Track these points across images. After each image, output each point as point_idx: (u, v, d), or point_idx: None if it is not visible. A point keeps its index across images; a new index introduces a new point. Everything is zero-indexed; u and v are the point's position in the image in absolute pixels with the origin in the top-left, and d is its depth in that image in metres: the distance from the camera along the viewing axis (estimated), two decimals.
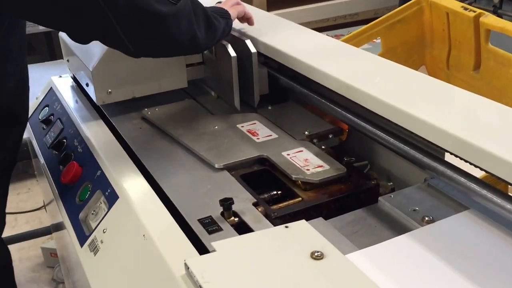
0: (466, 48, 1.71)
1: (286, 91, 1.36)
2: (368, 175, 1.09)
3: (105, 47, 1.29)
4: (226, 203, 0.96)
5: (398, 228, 0.94)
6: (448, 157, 0.95)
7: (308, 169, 1.07)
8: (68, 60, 1.54)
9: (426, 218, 0.93)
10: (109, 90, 1.32)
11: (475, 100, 0.99)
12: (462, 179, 0.91)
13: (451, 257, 0.84)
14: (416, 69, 1.92)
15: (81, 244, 1.06)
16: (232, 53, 1.28)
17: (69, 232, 1.12)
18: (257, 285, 0.76)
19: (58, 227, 1.26)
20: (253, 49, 1.27)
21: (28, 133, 1.51)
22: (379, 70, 1.13)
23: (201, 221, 0.96)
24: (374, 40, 1.95)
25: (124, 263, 0.95)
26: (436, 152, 0.96)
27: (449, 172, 0.93)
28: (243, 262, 0.82)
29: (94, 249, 1.02)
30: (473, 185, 0.89)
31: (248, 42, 1.28)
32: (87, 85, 1.37)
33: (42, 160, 1.38)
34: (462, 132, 0.86)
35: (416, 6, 1.81)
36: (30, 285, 2.13)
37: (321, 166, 1.08)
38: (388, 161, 1.17)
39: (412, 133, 0.94)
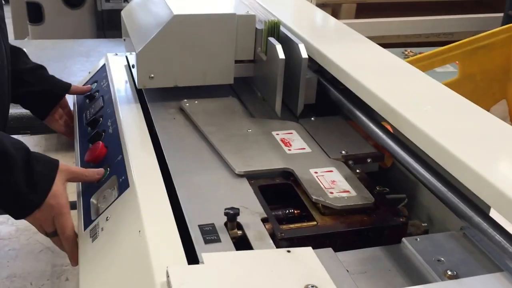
0: None
1: (337, 105, 1.26)
2: (398, 210, 0.98)
3: (156, 31, 1.25)
4: (231, 213, 0.88)
5: (414, 277, 0.83)
6: (493, 212, 0.83)
7: (332, 192, 0.98)
8: (124, 40, 1.52)
9: (449, 272, 0.81)
10: (152, 75, 1.27)
11: None
12: (498, 237, 0.78)
13: None
14: (496, 103, 1.76)
15: (84, 228, 1.02)
16: (281, 55, 1.20)
17: (78, 213, 1.08)
18: None
19: (75, 204, 1.22)
20: (304, 55, 1.19)
21: (72, 107, 1.50)
22: (434, 99, 1.01)
23: (201, 227, 0.89)
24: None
25: (114, 256, 0.90)
26: (479, 202, 0.84)
27: (484, 225, 0.80)
28: (228, 282, 0.74)
29: (94, 235, 0.98)
30: (509, 246, 0.76)
31: (301, 47, 1.20)
32: (133, 66, 1.34)
33: (77, 135, 1.36)
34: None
35: (504, 34, 1.64)
36: (45, 252, 2.15)
37: (347, 192, 0.98)
38: (429, 199, 1.05)
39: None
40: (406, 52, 2.57)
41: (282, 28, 1.30)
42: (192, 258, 0.83)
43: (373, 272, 0.84)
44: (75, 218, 1.06)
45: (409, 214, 1.07)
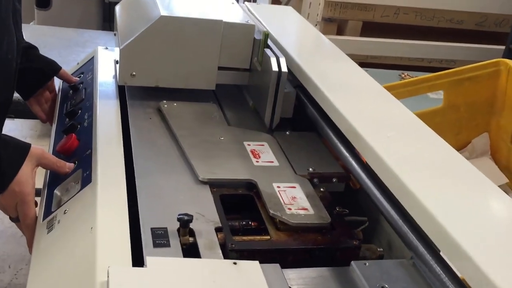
0: None
1: (312, 121, 1.26)
2: (353, 233, 0.98)
3: (141, 30, 1.26)
4: (183, 219, 0.89)
5: None
6: None
7: (290, 208, 0.98)
8: (115, 34, 1.53)
9: None
10: (133, 73, 1.28)
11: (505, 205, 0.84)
12: (438, 270, 0.78)
13: None
14: (478, 135, 1.77)
15: (43, 218, 1.02)
16: (275, 67, 1.20)
17: (41, 203, 1.09)
18: None
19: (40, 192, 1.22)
20: (284, 68, 1.19)
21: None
22: (399, 126, 1.01)
23: (153, 230, 0.90)
24: None
25: (65, 250, 0.90)
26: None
27: (427, 257, 0.81)
28: (166, 285, 0.75)
29: (50, 227, 0.98)
30: (448, 281, 0.77)
31: (282, 60, 1.21)
32: (116, 62, 1.35)
33: (54, 124, 1.37)
34: (459, 236, 0.73)
35: (492, 68, 1.65)
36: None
37: (305, 209, 0.99)
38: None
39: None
40: (403, 75, 2.58)
41: (269, 41, 1.31)
42: (140, 260, 0.83)
43: None
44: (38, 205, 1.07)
45: (371, 237, 1.08)
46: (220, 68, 1.34)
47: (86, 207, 0.95)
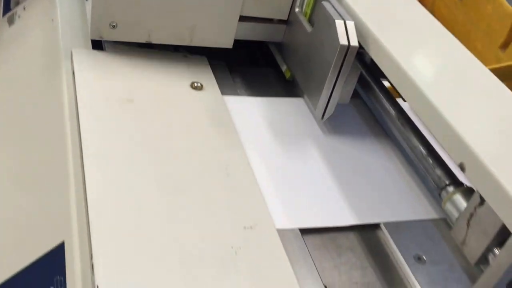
0: None
1: None
2: None
3: None
4: None
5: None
6: None
7: None
8: None
9: None
10: (114, 23, 0.87)
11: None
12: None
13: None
14: None
15: (3, 15, 1.09)
16: (343, 39, 0.81)
17: None
18: (128, 88, 0.80)
19: None
20: (353, 41, 0.80)
21: None
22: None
23: None
24: None
25: (28, 40, 0.99)
26: None
27: None
28: (124, 72, 0.85)
29: (11, 21, 1.05)
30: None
31: (350, 26, 0.81)
32: None
33: None
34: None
35: None
36: None
37: None
38: None
39: None
40: None
41: None
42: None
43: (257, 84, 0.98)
44: None
45: None
46: (241, 19, 0.93)
47: (45, 3, 1.02)
